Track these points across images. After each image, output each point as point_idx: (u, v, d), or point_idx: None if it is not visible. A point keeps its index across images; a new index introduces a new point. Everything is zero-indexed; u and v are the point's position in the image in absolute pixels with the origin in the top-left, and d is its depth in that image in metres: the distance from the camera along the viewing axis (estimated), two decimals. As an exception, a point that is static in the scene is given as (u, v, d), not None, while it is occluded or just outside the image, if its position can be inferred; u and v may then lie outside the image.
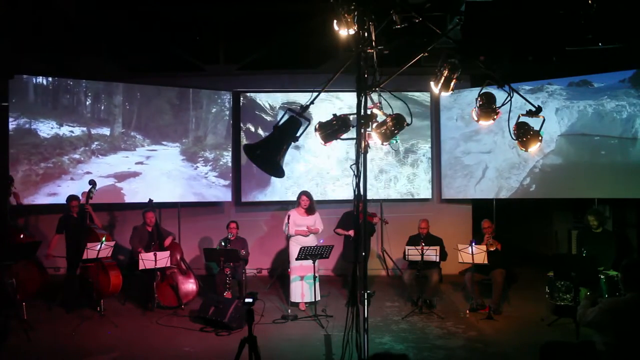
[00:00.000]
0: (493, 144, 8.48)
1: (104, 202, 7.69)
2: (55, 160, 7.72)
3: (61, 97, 7.86)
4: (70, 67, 8.17)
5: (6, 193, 6.75)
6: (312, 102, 3.47)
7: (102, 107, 8.15)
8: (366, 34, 3.61)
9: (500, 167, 8.45)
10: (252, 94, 8.91)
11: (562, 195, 8.08)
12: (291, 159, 8.69)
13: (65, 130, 7.82)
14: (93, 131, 8.01)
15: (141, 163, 8.30)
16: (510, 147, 8.19)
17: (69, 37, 7.72)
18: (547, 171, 8.02)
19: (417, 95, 8.87)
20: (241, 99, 8.87)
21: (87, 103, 8.04)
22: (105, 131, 8.11)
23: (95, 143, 8.02)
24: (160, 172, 8.38)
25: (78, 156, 7.88)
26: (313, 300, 6.55)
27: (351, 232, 7.08)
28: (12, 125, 7.41)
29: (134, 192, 8.17)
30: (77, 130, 7.91)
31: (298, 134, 3.38)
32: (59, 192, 7.61)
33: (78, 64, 8.25)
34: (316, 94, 3.53)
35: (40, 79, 7.69)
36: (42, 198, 7.59)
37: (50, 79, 7.77)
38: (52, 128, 7.73)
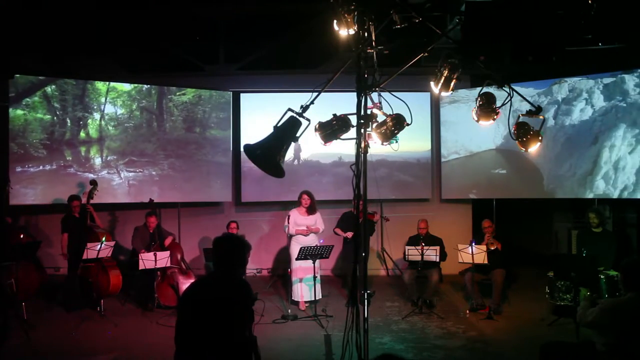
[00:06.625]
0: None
1: (104, 202, 7.68)
2: (55, 159, 7.73)
3: (61, 97, 7.85)
4: (70, 67, 8.18)
5: (5, 193, 6.75)
6: (312, 102, 3.46)
7: (101, 108, 8.15)
8: (366, 34, 3.61)
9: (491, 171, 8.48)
10: (252, 94, 8.91)
11: (562, 195, 8.07)
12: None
13: (65, 130, 7.84)
14: (92, 131, 8.02)
15: (140, 163, 8.29)
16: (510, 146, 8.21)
17: (69, 37, 7.71)
18: (543, 172, 8.02)
19: (417, 95, 8.85)
20: (241, 98, 8.87)
21: (86, 103, 8.04)
22: (103, 131, 8.12)
23: (96, 143, 8.03)
24: (160, 172, 8.38)
25: (77, 156, 7.89)
26: (313, 299, 6.56)
27: (349, 234, 7.08)
28: (12, 124, 7.42)
29: (134, 192, 8.17)
30: (77, 130, 7.92)
31: (298, 134, 3.38)
32: (58, 192, 7.61)
33: (78, 64, 8.25)
34: (316, 94, 3.53)
35: (40, 79, 7.69)
36: (40, 198, 7.60)
37: (50, 79, 7.76)
38: (51, 128, 7.74)
